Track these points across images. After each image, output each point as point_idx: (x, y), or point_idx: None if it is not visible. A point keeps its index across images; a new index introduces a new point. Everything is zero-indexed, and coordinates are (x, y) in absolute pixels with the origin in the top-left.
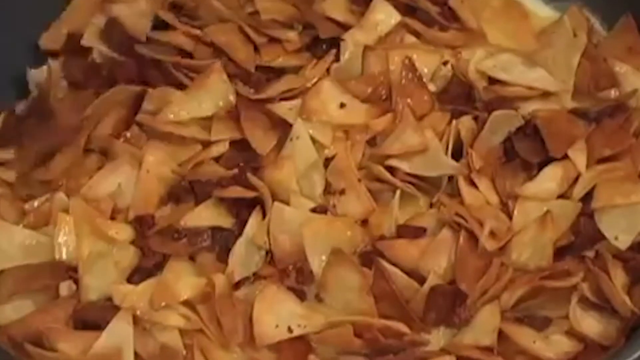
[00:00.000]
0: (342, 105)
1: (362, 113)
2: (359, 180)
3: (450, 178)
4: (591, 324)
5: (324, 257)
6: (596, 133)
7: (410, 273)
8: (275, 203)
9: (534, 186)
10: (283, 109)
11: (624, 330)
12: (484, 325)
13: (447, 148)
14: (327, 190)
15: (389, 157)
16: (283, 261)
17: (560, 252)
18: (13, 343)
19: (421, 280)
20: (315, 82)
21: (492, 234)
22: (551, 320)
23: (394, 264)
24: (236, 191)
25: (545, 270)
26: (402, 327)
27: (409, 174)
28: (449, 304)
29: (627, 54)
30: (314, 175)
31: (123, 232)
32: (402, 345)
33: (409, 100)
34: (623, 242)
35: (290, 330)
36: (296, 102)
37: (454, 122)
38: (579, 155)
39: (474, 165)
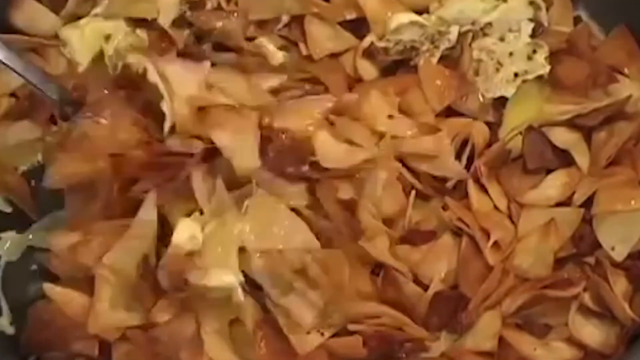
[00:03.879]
0: (390, 117)
1: (410, 127)
2: None
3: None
4: (591, 332)
5: None
6: (596, 139)
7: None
8: None
9: (538, 193)
10: None
11: (624, 338)
12: (484, 331)
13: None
14: None
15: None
16: None
17: (561, 259)
18: None
19: (421, 285)
20: None
21: (496, 244)
22: (551, 327)
23: (396, 270)
24: None
25: (544, 279)
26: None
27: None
28: (452, 309)
29: (627, 58)
30: None
31: None
32: (404, 351)
33: None
34: (619, 253)
35: (321, 334)
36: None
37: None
38: (583, 160)
39: (481, 172)
